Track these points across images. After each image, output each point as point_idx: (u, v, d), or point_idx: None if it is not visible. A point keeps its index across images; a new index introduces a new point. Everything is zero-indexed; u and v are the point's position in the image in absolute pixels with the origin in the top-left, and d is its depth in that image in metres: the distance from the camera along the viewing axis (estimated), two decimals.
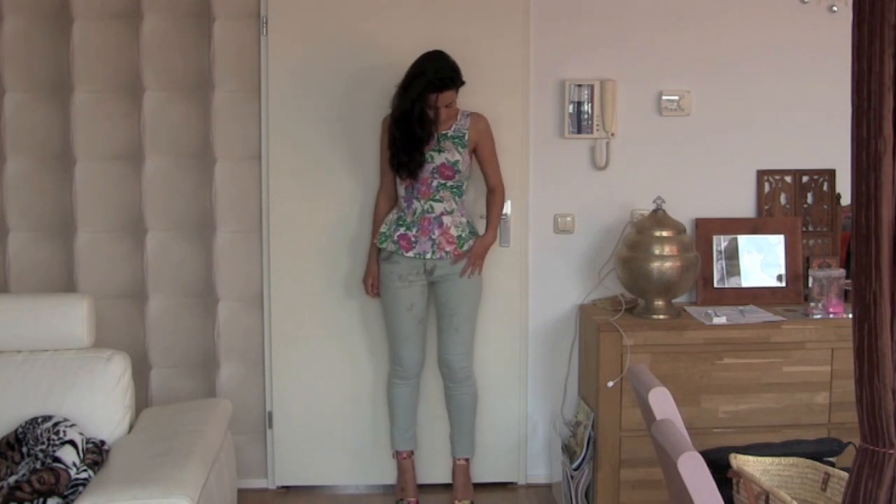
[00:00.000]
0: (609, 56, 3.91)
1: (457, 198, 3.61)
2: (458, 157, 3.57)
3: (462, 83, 3.54)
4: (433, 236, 3.57)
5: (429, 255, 3.58)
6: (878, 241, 1.59)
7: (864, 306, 1.62)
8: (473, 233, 3.69)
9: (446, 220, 3.59)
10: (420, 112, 3.48)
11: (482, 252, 3.67)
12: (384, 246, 3.63)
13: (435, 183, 3.56)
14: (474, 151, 3.65)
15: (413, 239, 3.58)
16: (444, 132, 3.58)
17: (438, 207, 3.58)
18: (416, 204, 3.58)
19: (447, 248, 3.58)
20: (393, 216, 3.65)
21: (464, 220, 3.65)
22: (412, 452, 3.85)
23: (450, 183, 3.57)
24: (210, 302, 3.92)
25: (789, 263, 3.91)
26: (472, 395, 3.78)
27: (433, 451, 3.95)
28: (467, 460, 3.83)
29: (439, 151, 3.56)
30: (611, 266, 3.90)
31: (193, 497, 2.58)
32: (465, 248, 3.62)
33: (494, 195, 3.73)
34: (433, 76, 3.46)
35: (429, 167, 3.55)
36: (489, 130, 3.67)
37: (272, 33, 3.82)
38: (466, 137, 3.60)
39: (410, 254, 3.58)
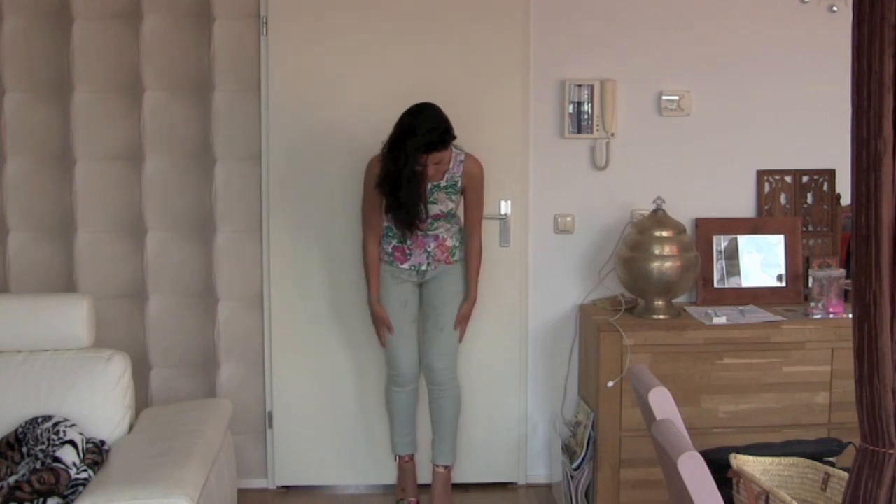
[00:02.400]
0: (609, 56, 3.91)
1: (450, 223, 3.61)
2: (451, 206, 3.55)
3: (453, 138, 3.39)
4: (428, 249, 3.57)
5: (423, 267, 3.58)
6: (878, 241, 1.59)
7: (864, 306, 1.62)
8: (462, 238, 3.66)
9: (441, 233, 3.59)
10: (410, 174, 3.32)
11: (470, 313, 3.70)
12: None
13: (430, 223, 3.55)
14: (462, 192, 3.59)
15: (408, 252, 3.58)
16: (437, 183, 3.50)
17: (433, 233, 3.58)
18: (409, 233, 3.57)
19: (441, 259, 3.59)
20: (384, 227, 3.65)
21: (456, 227, 3.63)
22: (413, 455, 3.84)
23: (443, 219, 3.57)
24: (210, 302, 3.92)
25: (789, 263, 3.91)
26: (453, 401, 3.73)
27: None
28: (447, 468, 3.77)
29: (433, 203, 3.51)
30: (611, 266, 3.90)
31: (193, 497, 2.58)
32: (457, 257, 3.61)
33: (472, 245, 3.62)
34: (425, 138, 3.29)
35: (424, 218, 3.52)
36: (481, 176, 3.56)
37: (272, 33, 3.82)
38: (459, 185, 3.55)
39: (405, 265, 3.59)
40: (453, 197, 3.54)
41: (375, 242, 3.62)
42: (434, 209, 3.51)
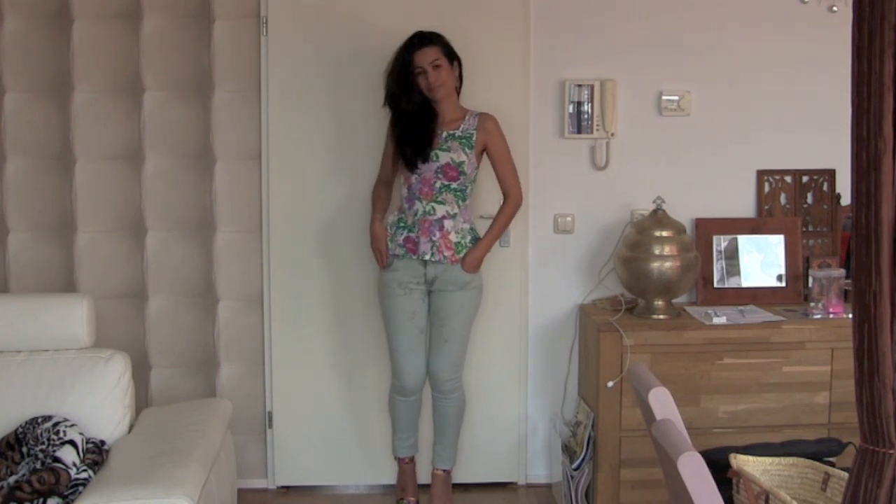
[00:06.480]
0: (609, 56, 3.91)
1: (460, 201, 3.54)
2: (463, 157, 3.51)
3: (452, 53, 3.52)
4: (433, 238, 3.50)
5: (428, 256, 3.50)
6: (878, 241, 1.59)
7: (864, 306, 1.62)
8: (476, 240, 3.58)
9: (447, 224, 3.51)
10: (406, 80, 3.47)
11: (474, 263, 3.55)
12: (390, 248, 3.59)
13: (438, 184, 3.51)
14: (486, 153, 3.60)
15: (416, 239, 3.53)
16: (451, 132, 3.53)
17: (440, 210, 3.52)
18: (417, 205, 3.53)
19: (445, 253, 3.51)
20: (394, 217, 3.61)
21: (466, 226, 3.56)
22: (413, 457, 3.83)
23: (454, 185, 3.51)
24: (210, 302, 3.92)
25: (789, 263, 3.91)
26: (455, 408, 3.69)
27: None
28: (447, 471, 3.76)
29: (445, 150, 3.50)
30: (611, 266, 3.90)
31: (193, 497, 2.58)
32: (462, 255, 3.55)
33: (505, 202, 3.63)
34: (412, 38, 3.49)
35: (433, 166, 3.49)
36: (499, 130, 3.59)
37: (272, 33, 3.82)
38: (474, 139, 3.54)
39: (415, 256, 3.52)
40: (467, 150, 3.52)
41: (382, 186, 3.69)
42: (445, 157, 3.50)
